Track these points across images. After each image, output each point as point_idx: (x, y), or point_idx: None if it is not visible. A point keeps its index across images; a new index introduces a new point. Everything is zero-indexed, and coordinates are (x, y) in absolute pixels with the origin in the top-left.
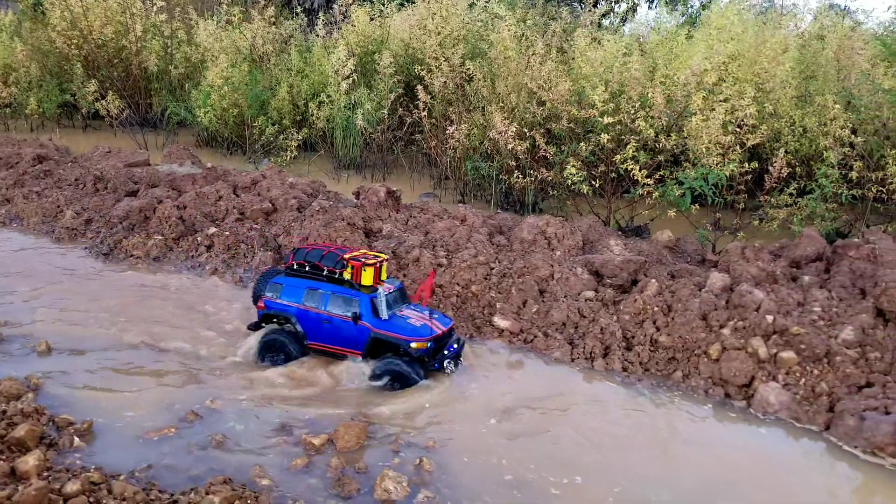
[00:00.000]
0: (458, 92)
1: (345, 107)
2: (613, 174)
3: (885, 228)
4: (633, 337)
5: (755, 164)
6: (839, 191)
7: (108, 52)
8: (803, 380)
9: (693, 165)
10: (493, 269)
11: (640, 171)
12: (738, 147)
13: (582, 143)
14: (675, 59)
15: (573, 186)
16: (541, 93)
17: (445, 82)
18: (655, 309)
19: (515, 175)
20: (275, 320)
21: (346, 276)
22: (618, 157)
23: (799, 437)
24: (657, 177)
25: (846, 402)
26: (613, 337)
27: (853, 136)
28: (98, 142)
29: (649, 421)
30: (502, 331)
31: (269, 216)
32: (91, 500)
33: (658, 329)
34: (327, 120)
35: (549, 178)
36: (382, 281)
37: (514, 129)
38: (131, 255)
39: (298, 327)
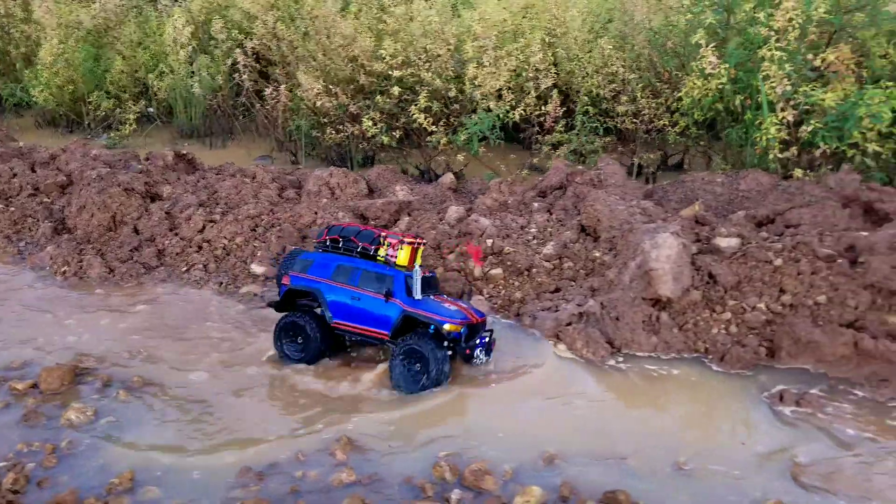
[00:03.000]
0: (276, 54)
1: (186, 76)
2: (415, 125)
3: (644, 156)
4: None
5: (551, 107)
6: (594, 123)
7: None
8: (504, 291)
9: (486, 112)
10: (263, 220)
11: (424, 119)
12: (532, 91)
13: (379, 97)
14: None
15: (375, 139)
16: (339, 50)
17: (265, 44)
18: None
19: (328, 131)
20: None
21: (382, 253)
22: (412, 107)
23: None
24: (443, 124)
25: (528, 306)
26: None
27: (628, 74)
28: None
29: None
30: (258, 276)
31: (64, 189)
32: None
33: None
34: (171, 90)
35: (356, 131)
36: (416, 265)
37: (320, 86)
38: None
39: (325, 305)
